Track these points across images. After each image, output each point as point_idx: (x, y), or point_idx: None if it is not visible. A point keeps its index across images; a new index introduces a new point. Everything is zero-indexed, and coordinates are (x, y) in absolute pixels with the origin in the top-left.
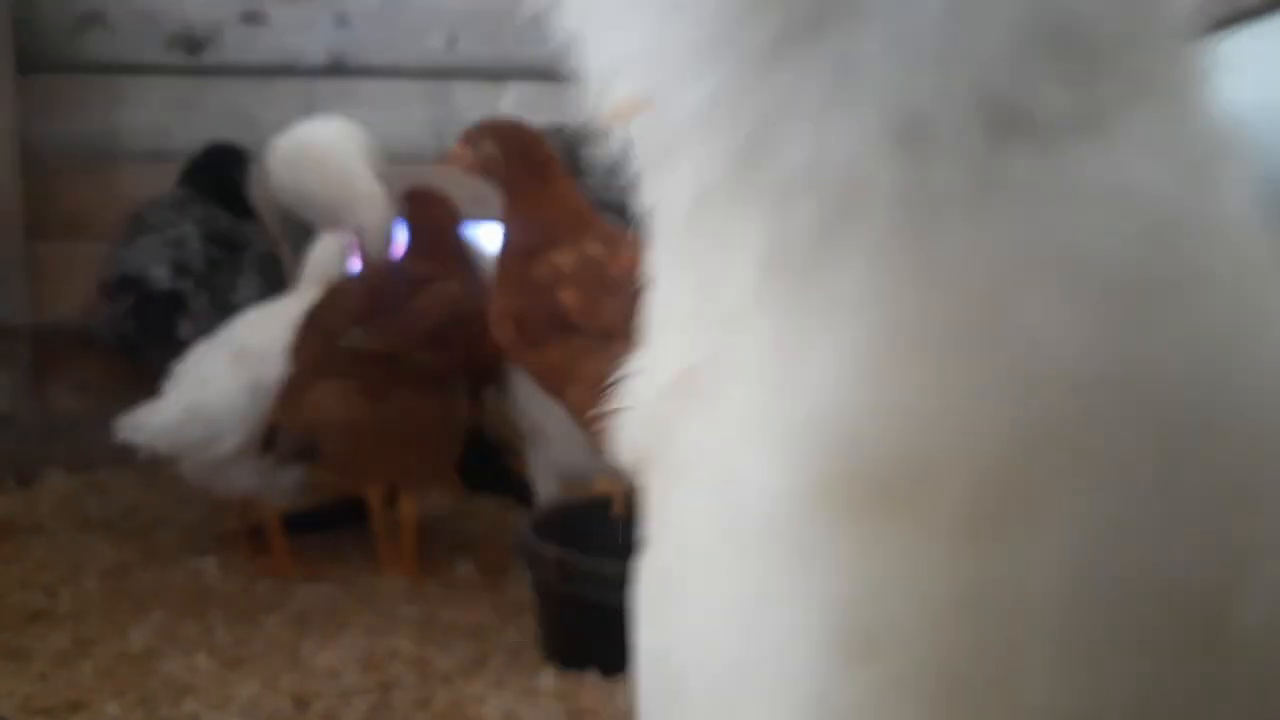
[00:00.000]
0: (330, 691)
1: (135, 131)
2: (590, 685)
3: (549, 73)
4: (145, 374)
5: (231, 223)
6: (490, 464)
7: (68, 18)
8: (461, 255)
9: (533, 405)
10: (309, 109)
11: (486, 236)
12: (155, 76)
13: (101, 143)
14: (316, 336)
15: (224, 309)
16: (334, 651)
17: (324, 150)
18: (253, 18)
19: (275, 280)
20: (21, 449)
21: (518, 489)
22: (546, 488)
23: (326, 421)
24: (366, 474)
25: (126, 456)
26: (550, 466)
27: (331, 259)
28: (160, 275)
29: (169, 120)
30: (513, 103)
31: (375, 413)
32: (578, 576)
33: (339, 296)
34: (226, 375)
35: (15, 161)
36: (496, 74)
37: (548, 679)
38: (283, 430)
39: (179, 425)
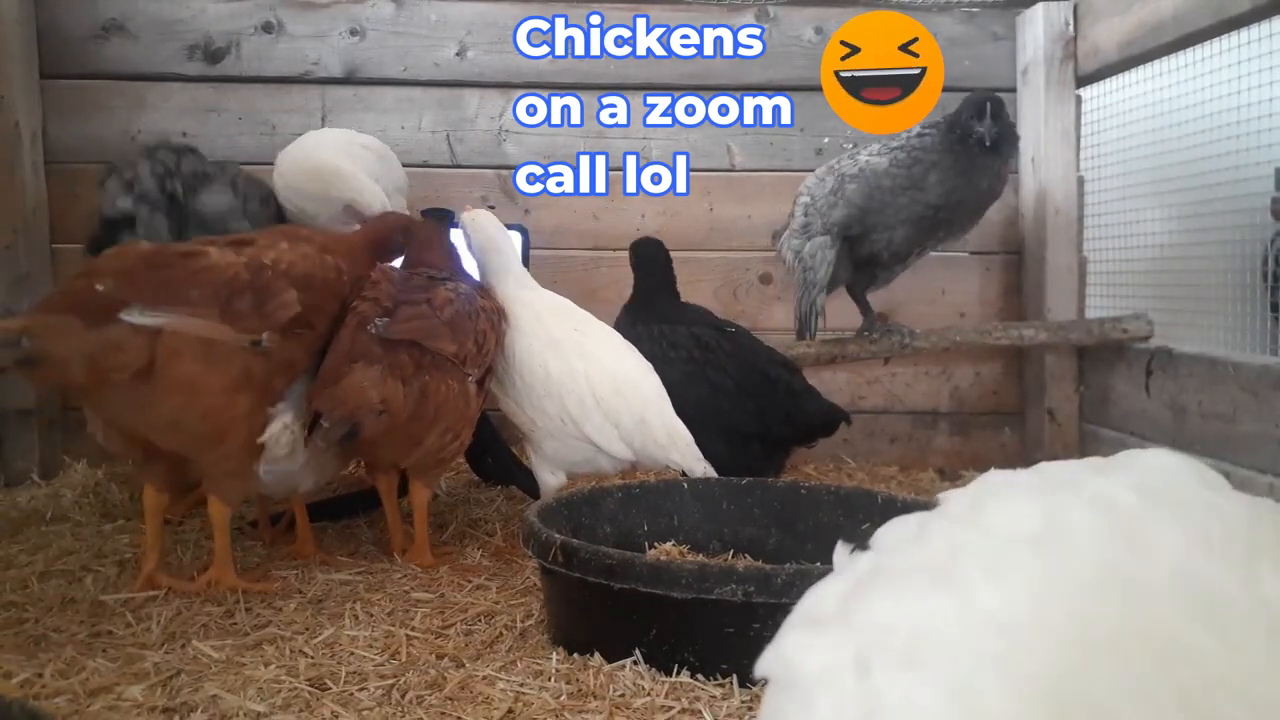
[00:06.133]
0: (346, 674)
1: (156, 137)
2: (594, 668)
3: (556, 83)
4: None
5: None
6: (499, 455)
7: (90, 26)
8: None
9: (526, 402)
10: (324, 117)
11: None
12: (175, 84)
13: (123, 148)
14: (348, 325)
15: (186, 224)
16: (350, 636)
17: (319, 162)
18: (270, 28)
19: (253, 195)
20: (45, 443)
21: (525, 479)
22: (549, 479)
23: (365, 404)
24: (399, 453)
25: None
26: (548, 459)
27: None
28: (114, 204)
29: (188, 126)
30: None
31: (406, 393)
32: (582, 563)
33: (368, 289)
34: None
35: (40, 164)
36: (506, 84)
37: (554, 661)
38: (325, 415)
39: None
